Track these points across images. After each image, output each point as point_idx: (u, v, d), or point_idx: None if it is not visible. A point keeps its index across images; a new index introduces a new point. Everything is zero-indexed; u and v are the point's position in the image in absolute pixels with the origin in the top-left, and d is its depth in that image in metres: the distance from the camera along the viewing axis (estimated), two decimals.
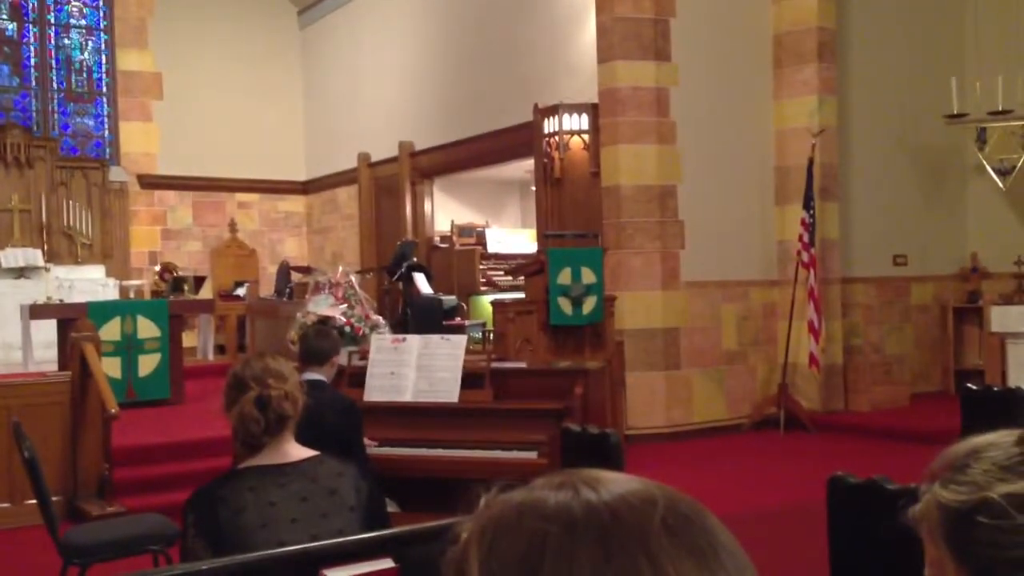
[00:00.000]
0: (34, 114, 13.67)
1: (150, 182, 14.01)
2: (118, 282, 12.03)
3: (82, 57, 14.09)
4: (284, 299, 11.13)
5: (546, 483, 0.69)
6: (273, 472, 2.49)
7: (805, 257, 8.52)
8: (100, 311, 8.43)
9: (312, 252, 15.05)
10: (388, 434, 4.77)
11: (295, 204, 15.26)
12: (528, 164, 10.59)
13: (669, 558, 0.63)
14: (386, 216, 13.12)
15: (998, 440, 0.97)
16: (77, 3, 14.09)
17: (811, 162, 8.60)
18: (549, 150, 9.47)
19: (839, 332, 9.17)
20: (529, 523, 0.65)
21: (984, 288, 9.89)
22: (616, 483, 0.67)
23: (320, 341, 4.44)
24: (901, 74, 9.77)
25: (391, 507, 3.97)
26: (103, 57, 14.19)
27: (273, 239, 15.09)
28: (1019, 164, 9.48)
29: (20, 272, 11.85)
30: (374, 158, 13.33)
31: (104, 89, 14.18)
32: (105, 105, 14.17)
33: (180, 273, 12.13)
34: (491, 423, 4.76)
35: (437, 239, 12.70)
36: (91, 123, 14.12)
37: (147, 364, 8.53)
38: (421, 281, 10.32)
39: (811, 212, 8.53)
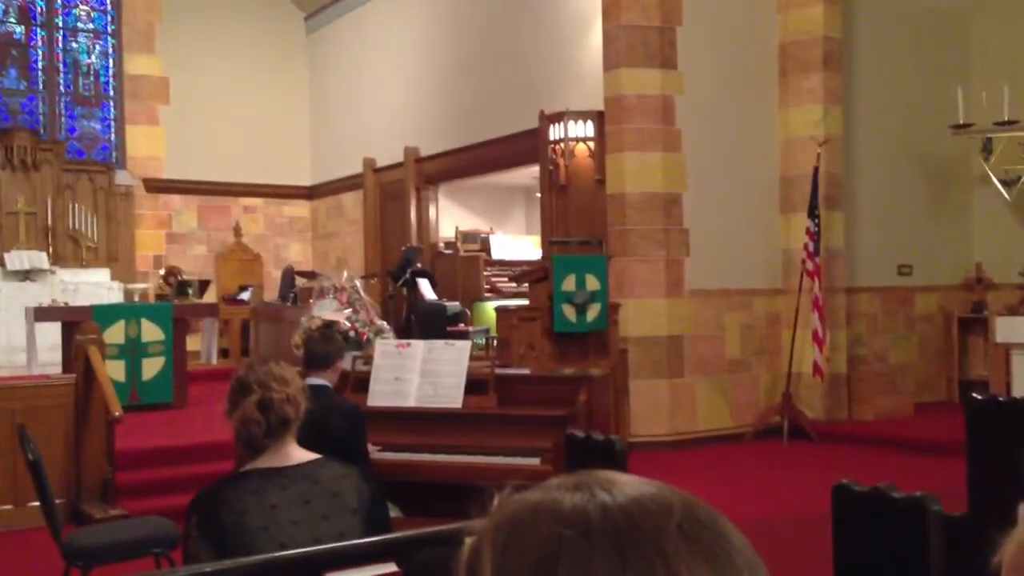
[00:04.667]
0: (41, 117, 13.71)
1: (156, 186, 14.03)
2: (123, 285, 12.03)
3: (89, 61, 14.13)
4: (288, 304, 11.15)
5: (561, 484, 0.68)
6: (275, 474, 2.50)
7: (810, 266, 8.52)
8: (104, 314, 8.43)
9: (317, 257, 15.07)
10: (392, 439, 4.76)
11: (300, 209, 15.28)
12: (533, 171, 10.59)
13: (685, 563, 0.63)
14: (391, 221, 13.13)
15: None
16: (85, 7, 14.13)
17: (816, 171, 8.59)
18: (554, 157, 9.47)
19: (843, 341, 9.15)
20: (544, 525, 0.64)
21: (989, 299, 9.86)
22: (631, 486, 0.67)
23: (323, 345, 4.43)
24: (907, 83, 9.77)
25: (393, 511, 3.96)
26: (110, 61, 14.23)
27: (278, 244, 15.11)
28: None
29: (25, 275, 11.86)
30: (379, 164, 13.34)
31: (111, 93, 14.22)
32: (112, 109, 14.21)
33: (185, 277, 12.13)
34: (495, 429, 4.75)
35: (442, 245, 12.71)
36: (98, 127, 14.16)
37: (151, 367, 8.53)
38: (425, 287, 10.34)
39: (816, 221, 8.52)
